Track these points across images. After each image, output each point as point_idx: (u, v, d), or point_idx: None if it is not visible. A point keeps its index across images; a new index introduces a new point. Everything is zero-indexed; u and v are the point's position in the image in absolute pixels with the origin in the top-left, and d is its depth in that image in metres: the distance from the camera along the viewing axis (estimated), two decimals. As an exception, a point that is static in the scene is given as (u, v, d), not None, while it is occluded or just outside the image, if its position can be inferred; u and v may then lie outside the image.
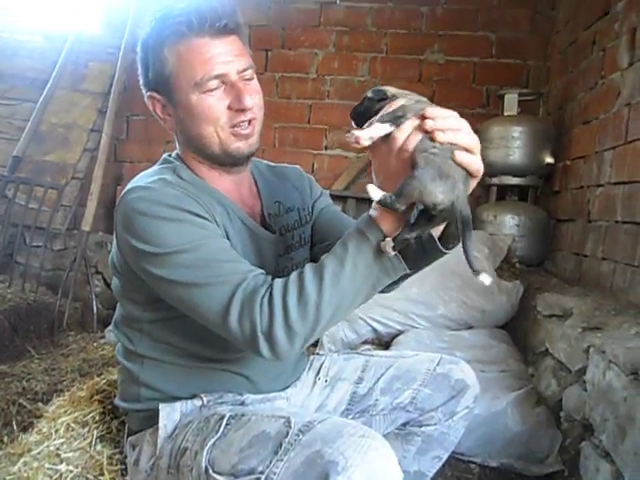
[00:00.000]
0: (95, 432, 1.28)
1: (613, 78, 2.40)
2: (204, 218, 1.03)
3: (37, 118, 3.46)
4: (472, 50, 3.65)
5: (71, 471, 1.18)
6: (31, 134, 3.44)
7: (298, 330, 0.92)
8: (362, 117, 0.95)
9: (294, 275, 0.95)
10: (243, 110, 1.07)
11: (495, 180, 3.18)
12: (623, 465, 1.42)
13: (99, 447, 1.25)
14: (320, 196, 1.38)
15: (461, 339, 2.33)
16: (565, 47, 3.24)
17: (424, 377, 1.27)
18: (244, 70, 1.08)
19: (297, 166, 1.42)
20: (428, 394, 1.25)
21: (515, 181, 3.11)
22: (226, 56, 1.05)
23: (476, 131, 0.90)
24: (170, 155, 1.21)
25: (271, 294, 0.93)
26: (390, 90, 0.95)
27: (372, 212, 0.93)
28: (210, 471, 0.98)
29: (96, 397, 1.38)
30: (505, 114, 3.18)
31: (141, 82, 1.14)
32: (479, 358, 2.16)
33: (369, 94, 0.96)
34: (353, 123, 0.97)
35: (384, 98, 0.94)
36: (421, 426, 1.31)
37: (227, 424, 1.04)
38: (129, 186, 1.08)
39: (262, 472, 0.92)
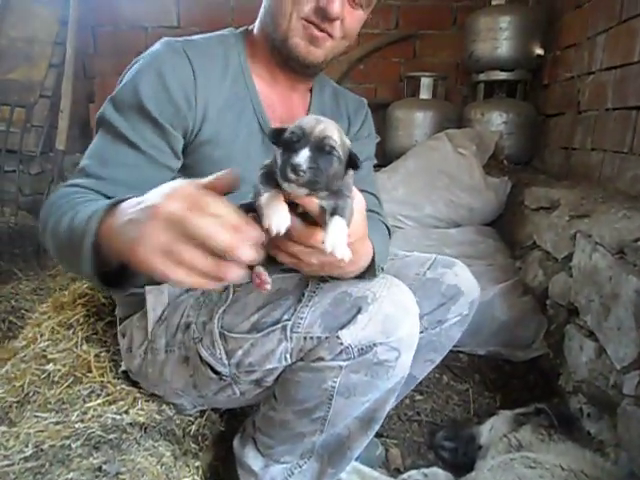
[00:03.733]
0: (80, 333, 1.27)
1: (607, -47, 2.24)
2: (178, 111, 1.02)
3: (-6, 32, 3.22)
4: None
5: (59, 370, 1.18)
6: (-11, 50, 3.21)
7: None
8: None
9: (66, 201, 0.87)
10: (324, 14, 1.03)
11: (482, 76, 3.05)
12: (606, 341, 1.46)
13: (85, 347, 1.25)
14: (362, 139, 1.30)
15: (448, 236, 2.33)
16: None
17: (412, 283, 1.12)
18: None
19: (363, 99, 1.35)
20: None
21: (503, 76, 2.98)
22: None
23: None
24: (237, 28, 1.19)
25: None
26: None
27: None
28: (227, 334, 1.01)
29: (79, 301, 1.37)
30: (493, 3, 2.99)
31: None
32: (466, 254, 2.16)
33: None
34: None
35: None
36: None
37: (234, 292, 1.06)
38: (171, 39, 1.07)
39: (288, 319, 0.96)
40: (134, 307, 1.17)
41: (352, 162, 0.73)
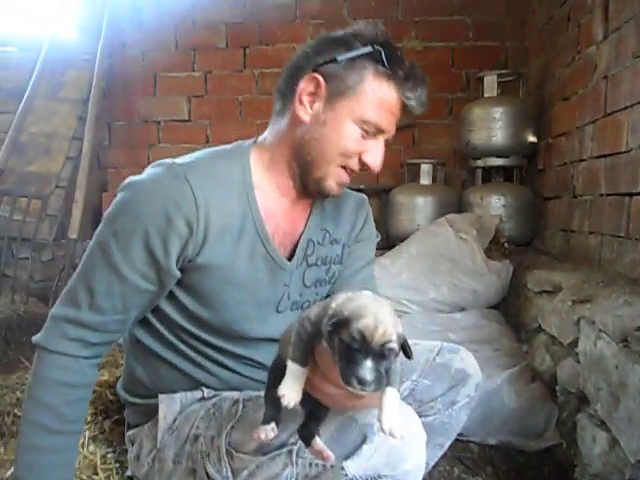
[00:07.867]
0: (87, 433, 1.27)
1: (589, 52, 2.41)
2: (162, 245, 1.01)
3: (17, 128, 3.43)
4: (449, 35, 3.65)
5: (65, 473, 1.16)
6: (11, 145, 3.41)
7: None
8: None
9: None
10: (363, 165, 1.11)
11: (480, 162, 3.19)
12: (618, 432, 1.43)
13: (92, 447, 1.24)
14: (364, 241, 1.33)
15: (454, 321, 2.34)
16: (541, 26, 3.25)
17: (423, 368, 1.21)
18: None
19: (363, 196, 1.37)
20: (427, 385, 1.21)
21: (499, 162, 3.11)
22: (397, 114, 1.11)
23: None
24: (244, 143, 1.18)
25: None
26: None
27: None
28: (234, 453, 1.00)
29: (87, 399, 1.37)
30: (485, 96, 3.18)
31: (306, 58, 1.14)
32: (472, 338, 2.16)
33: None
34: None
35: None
36: (420, 417, 1.28)
37: (244, 407, 1.06)
38: (173, 163, 1.05)
39: (294, 443, 0.95)
40: (146, 415, 1.17)
41: (405, 352, 0.77)
